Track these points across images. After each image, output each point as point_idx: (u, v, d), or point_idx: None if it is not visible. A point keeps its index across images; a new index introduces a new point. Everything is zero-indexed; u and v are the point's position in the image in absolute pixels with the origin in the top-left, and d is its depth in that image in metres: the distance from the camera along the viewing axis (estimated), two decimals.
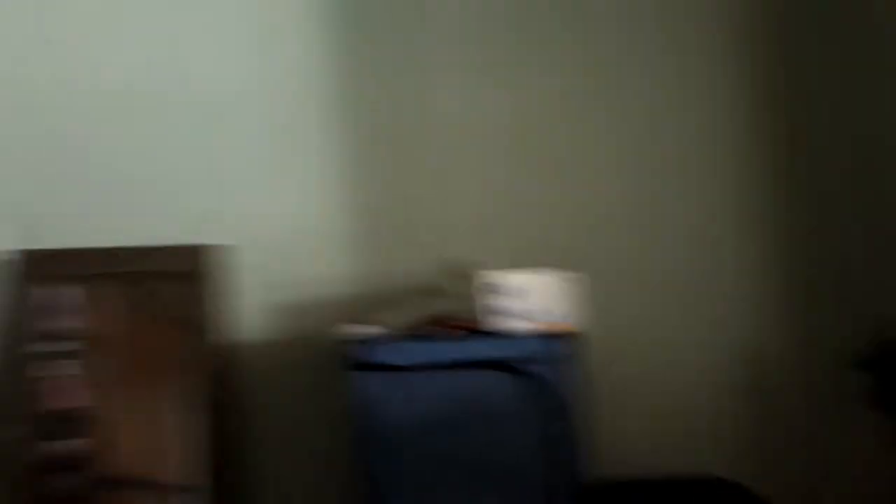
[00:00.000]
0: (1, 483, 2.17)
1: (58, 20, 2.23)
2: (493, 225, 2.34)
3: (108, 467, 2.13)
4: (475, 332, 2.02)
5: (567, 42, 2.42)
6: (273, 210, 2.30)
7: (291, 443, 2.26)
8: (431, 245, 2.31)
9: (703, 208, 2.40)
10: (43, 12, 2.22)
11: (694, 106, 2.43)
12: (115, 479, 2.14)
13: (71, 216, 2.25)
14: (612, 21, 2.44)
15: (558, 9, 2.43)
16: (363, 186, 2.34)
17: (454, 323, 2.06)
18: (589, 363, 2.08)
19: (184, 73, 2.29)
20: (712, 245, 2.40)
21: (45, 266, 2.21)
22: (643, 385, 2.31)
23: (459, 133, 2.36)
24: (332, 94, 2.35)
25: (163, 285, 2.25)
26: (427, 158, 2.35)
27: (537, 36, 2.41)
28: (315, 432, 2.26)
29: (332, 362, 2.19)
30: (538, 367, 1.95)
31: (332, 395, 2.22)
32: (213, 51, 2.30)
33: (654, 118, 2.41)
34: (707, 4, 2.47)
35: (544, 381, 1.95)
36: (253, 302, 2.27)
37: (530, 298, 1.99)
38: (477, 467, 1.91)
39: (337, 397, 2.20)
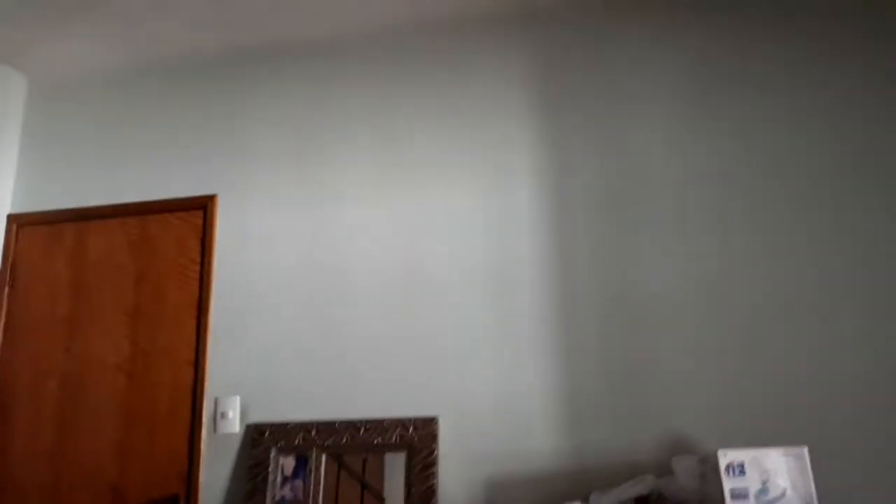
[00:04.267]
0: None
1: (330, 229, 2.70)
2: (709, 402, 2.28)
3: None
4: None
5: (787, 204, 2.40)
6: (486, 385, 2.42)
7: None
8: (643, 420, 2.30)
9: None
10: (320, 226, 2.72)
11: None
12: None
13: (293, 393, 2.49)
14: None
15: (781, 188, 2.43)
16: (573, 364, 2.39)
17: (673, 503, 1.99)
18: None
19: (420, 260, 2.59)
20: None
21: (273, 437, 2.43)
22: None
23: (669, 310, 2.38)
24: (547, 281, 2.49)
25: (379, 458, 2.38)
26: (642, 339, 2.37)
27: (756, 203, 2.42)
28: None
29: None
30: None
31: None
32: (447, 241, 2.61)
33: (879, 283, 2.29)
34: None
35: None
36: (460, 475, 2.32)
37: (754, 477, 1.89)
38: None
39: None
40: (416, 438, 2.36)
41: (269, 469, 2.42)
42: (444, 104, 2.74)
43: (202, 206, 2.82)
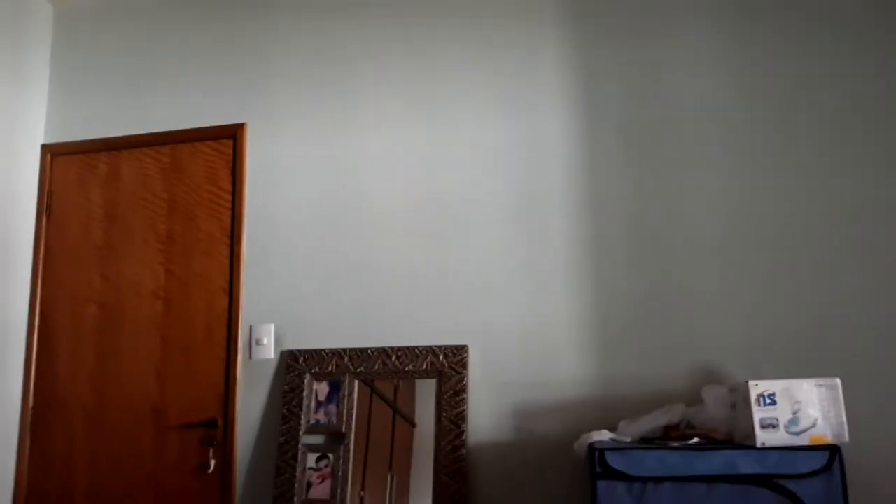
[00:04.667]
0: None
1: (356, 158, 2.69)
2: (739, 332, 2.27)
3: None
4: (726, 443, 1.95)
5: (822, 128, 2.33)
6: (516, 313, 2.43)
7: None
8: (672, 350, 2.30)
9: None
10: (347, 156, 2.71)
11: None
12: None
13: (325, 321, 2.53)
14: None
15: (811, 96, 2.36)
16: (603, 293, 2.39)
17: (703, 433, 2.00)
18: (847, 479, 1.90)
19: (449, 190, 2.58)
20: None
21: (307, 363, 2.49)
22: None
23: (700, 235, 2.35)
24: (576, 211, 2.46)
25: (411, 384, 2.43)
26: (671, 269, 2.35)
27: (790, 126, 2.35)
28: None
29: (568, 467, 2.21)
30: (794, 482, 1.84)
31: (568, 500, 2.22)
32: (474, 171, 2.57)
33: None
34: None
35: (801, 497, 1.83)
36: (489, 402, 2.37)
37: (785, 408, 1.90)
38: None
39: (573, 502, 2.20)
40: (446, 366, 2.40)
41: (304, 394, 2.48)
42: (473, 34, 2.66)
43: (232, 135, 2.81)
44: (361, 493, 2.36)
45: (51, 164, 3.00)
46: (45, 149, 3.01)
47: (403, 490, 2.35)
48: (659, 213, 2.39)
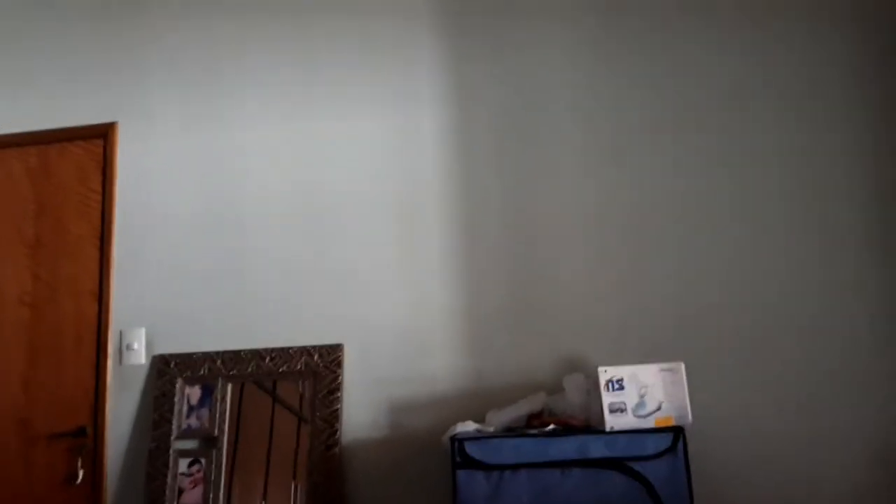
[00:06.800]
0: None
1: (230, 155, 2.66)
2: (601, 322, 2.35)
3: None
4: (581, 429, 2.03)
5: (677, 125, 2.44)
6: (390, 310, 2.45)
7: None
8: (542, 340, 2.36)
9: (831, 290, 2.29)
10: (220, 153, 2.68)
11: (813, 188, 2.34)
12: None
13: (198, 324, 2.49)
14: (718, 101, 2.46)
15: (670, 107, 2.46)
16: (475, 287, 2.43)
17: (561, 420, 2.08)
18: (691, 459, 1.99)
19: (322, 185, 2.57)
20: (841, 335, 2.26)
21: (178, 368, 2.44)
22: (749, 486, 2.19)
23: (567, 228, 2.42)
24: (450, 205, 2.50)
25: (285, 384, 2.41)
26: (540, 261, 2.41)
27: (649, 124, 2.45)
28: None
29: (440, 459, 2.24)
30: (641, 463, 1.93)
31: (439, 492, 2.26)
32: (350, 166, 2.57)
33: (758, 202, 2.36)
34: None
35: (647, 477, 1.92)
36: (365, 399, 2.38)
37: (632, 392, 1.99)
38: None
39: (443, 494, 2.24)
40: (321, 365, 2.40)
41: (175, 399, 2.43)
42: (350, 29, 2.67)
43: (102, 135, 2.73)
44: (243, 497, 2.33)
45: None
46: None
47: (282, 491, 2.33)
48: (529, 208, 2.46)
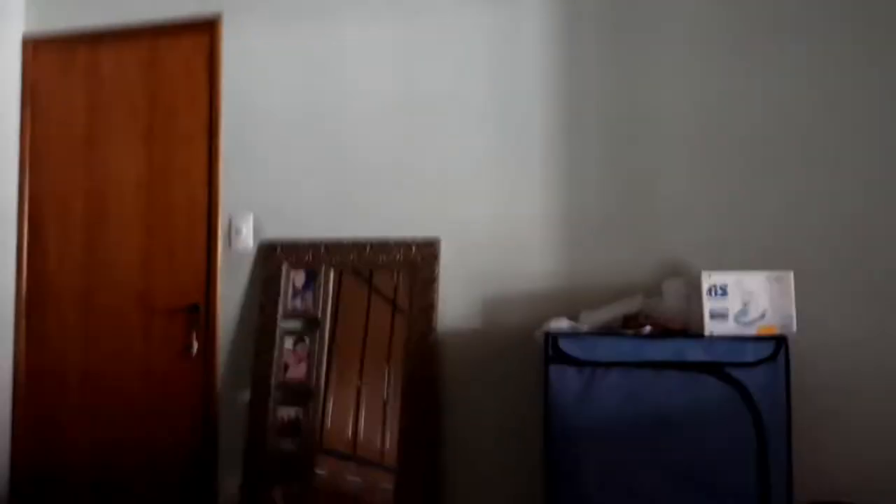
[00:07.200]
0: (236, 441, 2.54)
1: (331, 50, 2.66)
2: (706, 228, 2.28)
3: (323, 437, 2.42)
4: (679, 333, 2.01)
5: (787, 47, 2.27)
6: (487, 208, 2.46)
7: (487, 430, 2.39)
8: (641, 244, 2.32)
9: None
10: (322, 47, 2.67)
11: None
12: (326, 448, 2.41)
13: (302, 212, 2.58)
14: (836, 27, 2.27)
15: (786, 14, 2.29)
16: (574, 189, 2.40)
17: (658, 323, 2.06)
18: (795, 369, 1.96)
19: (421, 83, 2.55)
20: None
21: (284, 253, 2.56)
22: (848, 398, 2.15)
23: (672, 134, 2.33)
24: (549, 105, 2.43)
25: (381, 274, 2.49)
26: (642, 167, 2.34)
27: (759, 38, 2.29)
28: (512, 419, 2.37)
29: (532, 354, 2.29)
30: (740, 370, 1.90)
31: (531, 386, 2.32)
32: (449, 63, 2.54)
33: (870, 117, 2.20)
34: None
35: (745, 384, 1.90)
36: (460, 294, 2.44)
37: (735, 299, 1.95)
38: (673, 469, 1.88)
39: (534, 388, 2.30)
40: (419, 258, 2.46)
41: (281, 282, 2.56)
42: None
43: (208, 28, 2.77)
44: (359, 382, 2.45)
45: (32, 55, 2.98)
46: (27, 40, 2.98)
47: (379, 376, 2.45)
48: (632, 112, 2.36)
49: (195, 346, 2.65)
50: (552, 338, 1.99)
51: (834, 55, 2.23)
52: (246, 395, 2.57)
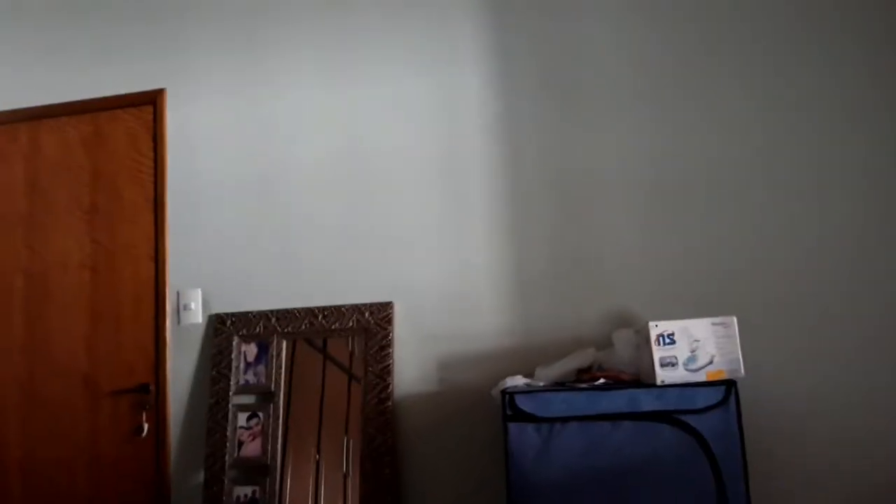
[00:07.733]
0: None
1: (276, 118, 2.70)
2: (649, 277, 2.34)
3: None
4: (631, 383, 2.04)
5: (729, 80, 2.39)
6: (438, 268, 2.48)
7: (447, 495, 2.35)
8: (589, 298, 2.37)
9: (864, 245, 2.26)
10: (266, 116, 2.71)
11: (854, 142, 2.29)
12: None
13: (252, 283, 2.56)
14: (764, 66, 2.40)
15: (719, 63, 2.41)
16: (521, 245, 2.45)
17: (611, 374, 2.09)
18: (743, 414, 2.01)
19: (368, 147, 2.60)
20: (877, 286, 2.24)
21: (234, 326, 2.52)
22: (802, 439, 2.19)
23: (616, 189, 2.41)
24: (494, 165, 2.50)
25: (335, 341, 2.47)
26: (585, 219, 2.41)
27: (693, 90, 2.41)
28: (471, 481, 2.34)
29: (490, 413, 2.28)
30: (693, 416, 1.93)
31: (489, 446, 2.30)
32: (393, 127, 2.59)
33: (802, 166, 2.31)
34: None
35: (699, 430, 1.92)
36: (415, 356, 2.43)
37: (683, 346, 1.99)
38: None
39: (493, 447, 2.29)
40: (372, 322, 2.45)
41: (233, 356, 2.52)
42: None
43: (151, 101, 2.78)
44: (317, 456, 2.40)
45: None
46: None
47: (334, 446, 2.41)
48: (574, 165, 2.44)
49: (145, 427, 2.56)
50: (509, 396, 1.99)
51: (769, 103, 2.35)
52: (200, 476, 2.48)
